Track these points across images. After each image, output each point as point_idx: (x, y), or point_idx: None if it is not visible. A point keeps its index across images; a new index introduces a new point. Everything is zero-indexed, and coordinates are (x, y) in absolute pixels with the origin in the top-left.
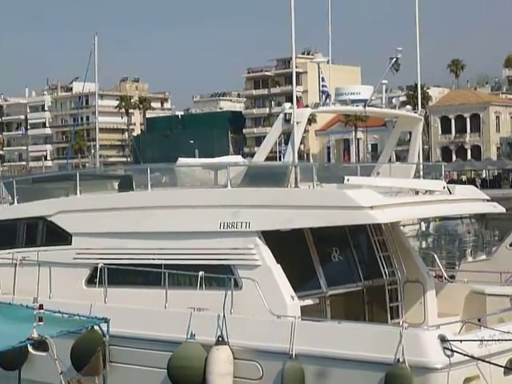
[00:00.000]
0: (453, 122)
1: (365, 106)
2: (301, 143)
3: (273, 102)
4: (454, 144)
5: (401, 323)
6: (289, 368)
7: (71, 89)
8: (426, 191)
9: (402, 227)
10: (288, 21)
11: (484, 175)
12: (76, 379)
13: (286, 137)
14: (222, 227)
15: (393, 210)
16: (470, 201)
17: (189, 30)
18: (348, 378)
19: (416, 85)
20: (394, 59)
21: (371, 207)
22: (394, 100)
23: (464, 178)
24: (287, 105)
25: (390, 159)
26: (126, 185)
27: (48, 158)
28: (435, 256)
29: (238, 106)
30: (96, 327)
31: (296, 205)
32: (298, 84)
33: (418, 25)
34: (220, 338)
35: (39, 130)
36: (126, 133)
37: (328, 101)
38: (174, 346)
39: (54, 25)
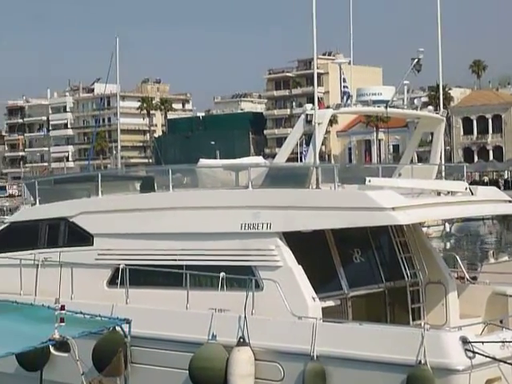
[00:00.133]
0: (475, 122)
1: (386, 107)
2: (322, 144)
3: (294, 103)
4: (475, 145)
5: (422, 325)
6: (310, 369)
7: (93, 90)
8: (448, 192)
9: (426, 228)
10: (310, 22)
11: (506, 176)
12: (97, 380)
13: (308, 138)
14: (243, 228)
15: (414, 211)
16: (492, 202)
17: (210, 31)
18: (369, 379)
19: (438, 85)
20: (416, 60)
21: (393, 208)
22: (415, 101)
23: (486, 179)
24: (308, 106)
25: (412, 160)
26: (147, 186)
27: (70, 159)
28: (457, 257)
29: (259, 107)
30: (118, 328)
31: (317, 206)
32: (319, 85)
33: (440, 25)
34: (241, 339)
35: (61, 131)
36: (148, 134)
37: (349, 102)
38: (196, 346)
39: (77, 26)
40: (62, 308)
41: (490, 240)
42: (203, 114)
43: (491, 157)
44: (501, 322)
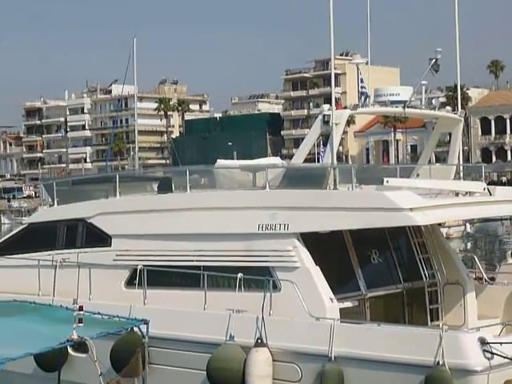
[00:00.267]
0: (493, 122)
1: (404, 107)
2: (340, 145)
3: (311, 104)
4: (493, 145)
5: (441, 325)
6: (328, 370)
7: (110, 91)
8: (466, 193)
9: (447, 228)
10: (327, 22)
11: None
12: (115, 381)
13: (325, 138)
14: (260, 229)
15: (432, 211)
16: (511, 202)
17: (227, 31)
18: (387, 380)
19: (455, 86)
20: (434, 60)
21: (411, 209)
22: (433, 101)
23: (504, 179)
24: (326, 106)
25: (430, 160)
26: (165, 187)
27: (87, 160)
28: (475, 258)
29: (277, 108)
30: (135, 329)
31: (335, 207)
32: (336, 85)
33: (458, 25)
34: (259, 340)
35: (79, 133)
36: (165, 135)
37: (367, 102)
38: (213, 347)
39: (95, 26)
40: (81, 309)
41: (508, 240)
42: (220, 115)
43: (509, 157)
44: None
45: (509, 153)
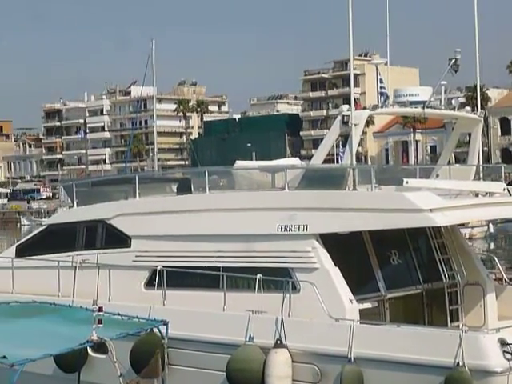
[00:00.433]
0: None
1: (424, 108)
2: (359, 145)
3: (330, 105)
4: None
5: (460, 326)
6: (347, 371)
7: (129, 93)
8: (486, 193)
9: (470, 229)
10: (346, 22)
11: None
12: (135, 381)
13: (344, 139)
14: (279, 230)
15: (452, 212)
16: None
17: (246, 32)
18: (407, 381)
19: (475, 86)
20: (453, 60)
21: (430, 210)
22: (453, 101)
23: None
24: (345, 107)
25: (450, 161)
26: (184, 188)
27: (107, 161)
28: (495, 258)
29: (295, 109)
30: (155, 329)
31: (354, 207)
32: (355, 86)
33: (477, 25)
34: (278, 341)
35: (98, 134)
36: (184, 136)
37: (386, 102)
38: (233, 348)
39: (115, 28)
40: (100, 310)
41: None
42: (239, 116)
43: None
44: None
45: None
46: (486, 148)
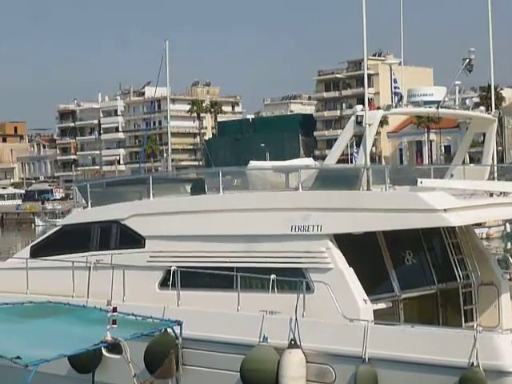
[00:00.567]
0: None
1: (438, 108)
2: (373, 145)
3: (344, 105)
4: None
5: (475, 326)
6: (362, 372)
7: (143, 93)
8: (501, 193)
9: (487, 228)
10: (360, 22)
11: None
12: (149, 382)
13: (358, 139)
14: (293, 230)
15: (466, 212)
16: None
17: (259, 32)
18: (421, 382)
19: (489, 86)
20: (467, 60)
21: (445, 210)
22: (467, 101)
23: None
24: (359, 107)
25: (464, 161)
26: (198, 188)
27: (121, 162)
28: (510, 258)
29: (309, 109)
30: (169, 330)
31: (368, 208)
32: (369, 86)
33: (491, 24)
34: (292, 342)
35: (112, 135)
36: (198, 137)
37: (400, 102)
38: (247, 348)
39: (128, 29)
40: (114, 310)
41: None
42: (253, 117)
43: None
44: None
45: None
46: (500, 148)
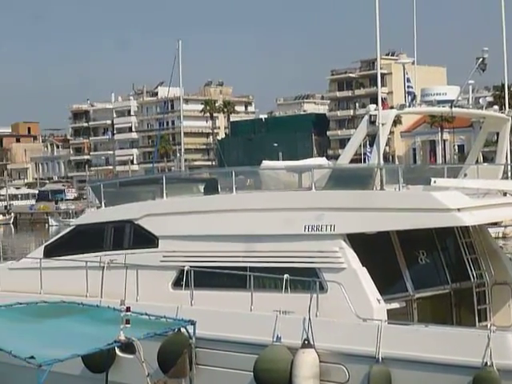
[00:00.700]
0: None
1: (451, 107)
2: (386, 145)
3: (357, 104)
4: None
5: (489, 326)
6: (375, 372)
7: (156, 93)
8: None
9: (503, 228)
10: (373, 22)
11: None
12: (163, 381)
13: (371, 139)
14: (306, 230)
15: (480, 212)
16: None
17: (272, 32)
18: (435, 381)
19: (503, 85)
20: (481, 59)
21: (458, 209)
22: (480, 100)
23: None
24: (372, 106)
25: (478, 160)
26: (211, 188)
27: (134, 162)
28: None
29: (322, 109)
30: (182, 329)
31: (381, 207)
32: (382, 85)
33: (505, 23)
34: (306, 341)
35: (125, 135)
36: (211, 137)
37: (414, 102)
38: (260, 348)
39: (142, 29)
40: (128, 310)
41: None
42: (266, 116)
43: None
44: None
45: None
46: None
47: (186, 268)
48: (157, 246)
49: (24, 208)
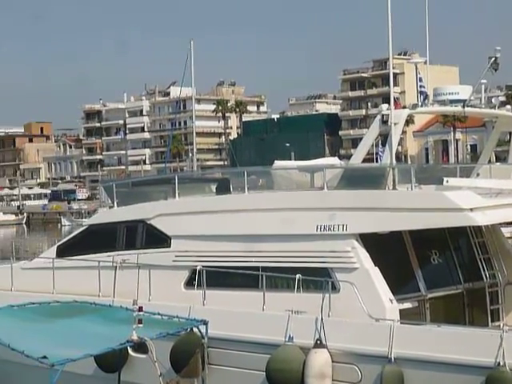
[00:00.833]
0: None
1: (464, 107)
2: (398, 145)
3: (369, 104)
4: None
5: (501, 326)
6: (388, 372)
7: (169, 93)
8: None
9: None
10: (385, 21)
11: None
12: (175, 381)
13: (384, 138)
14: (318, 230)
15: (493, 211)
16: None
17: (284, 32)
18: (447, 381)
19: None
20: (493, 58)
21: (471, 209)
22: (493, 100)
23: None
24: (384, 106)
25: (490, 160)
26: (223, 188)
27: (147, 162)
28: None
29: (334, 108)
30: (195, 329)
31: (394, 207)
32: (395, 85)
33: None
34: (318, 341)
35: (138, 135)
36: (223, 136)
37: (426, 101)
38: (273, 348)
39: (154, 30)
40: (140, 309)
41: None
42: (278, 116)
43: None
44: None
45: None
46: None
47: (198, 268)
48: (169, 246)
49: (37, 208)
